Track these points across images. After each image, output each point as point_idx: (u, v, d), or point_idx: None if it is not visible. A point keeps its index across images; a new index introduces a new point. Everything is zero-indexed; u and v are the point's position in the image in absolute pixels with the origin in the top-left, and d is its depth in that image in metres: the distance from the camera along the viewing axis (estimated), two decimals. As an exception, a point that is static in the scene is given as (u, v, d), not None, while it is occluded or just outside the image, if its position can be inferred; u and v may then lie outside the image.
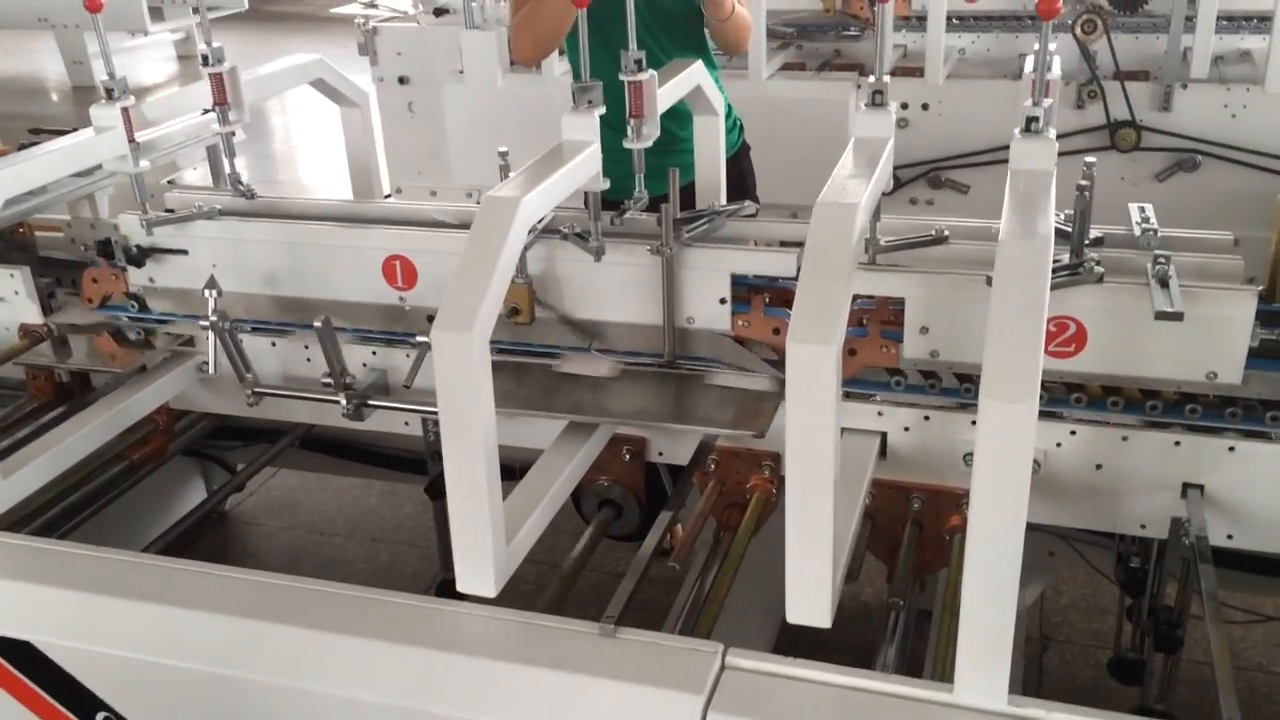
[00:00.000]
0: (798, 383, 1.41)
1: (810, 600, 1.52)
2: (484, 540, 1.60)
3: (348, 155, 2.84)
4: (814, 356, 1.40)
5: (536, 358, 2.17)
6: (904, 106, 4.13)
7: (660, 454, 2.15)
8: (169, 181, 2.92)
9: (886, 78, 1.81)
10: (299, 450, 2.93)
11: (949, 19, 4.64)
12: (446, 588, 2.34)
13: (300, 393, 2.26)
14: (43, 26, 9.54)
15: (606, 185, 1.93)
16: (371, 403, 2.16)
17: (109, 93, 2.12)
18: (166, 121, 2.68)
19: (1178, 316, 1.63)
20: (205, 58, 2.27)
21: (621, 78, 1.92)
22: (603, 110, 1.89)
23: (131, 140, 2.16)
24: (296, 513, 3.47)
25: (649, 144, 1.97)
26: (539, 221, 2.06)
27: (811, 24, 4.92)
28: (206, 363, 2.23)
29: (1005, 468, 1.30)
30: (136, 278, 2.36)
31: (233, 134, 2.39)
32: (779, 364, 2.02)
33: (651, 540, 1.86)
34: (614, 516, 2.17)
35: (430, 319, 2.12)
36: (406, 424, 2.29)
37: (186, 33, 11.06)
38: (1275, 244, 1.82)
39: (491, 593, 1.64)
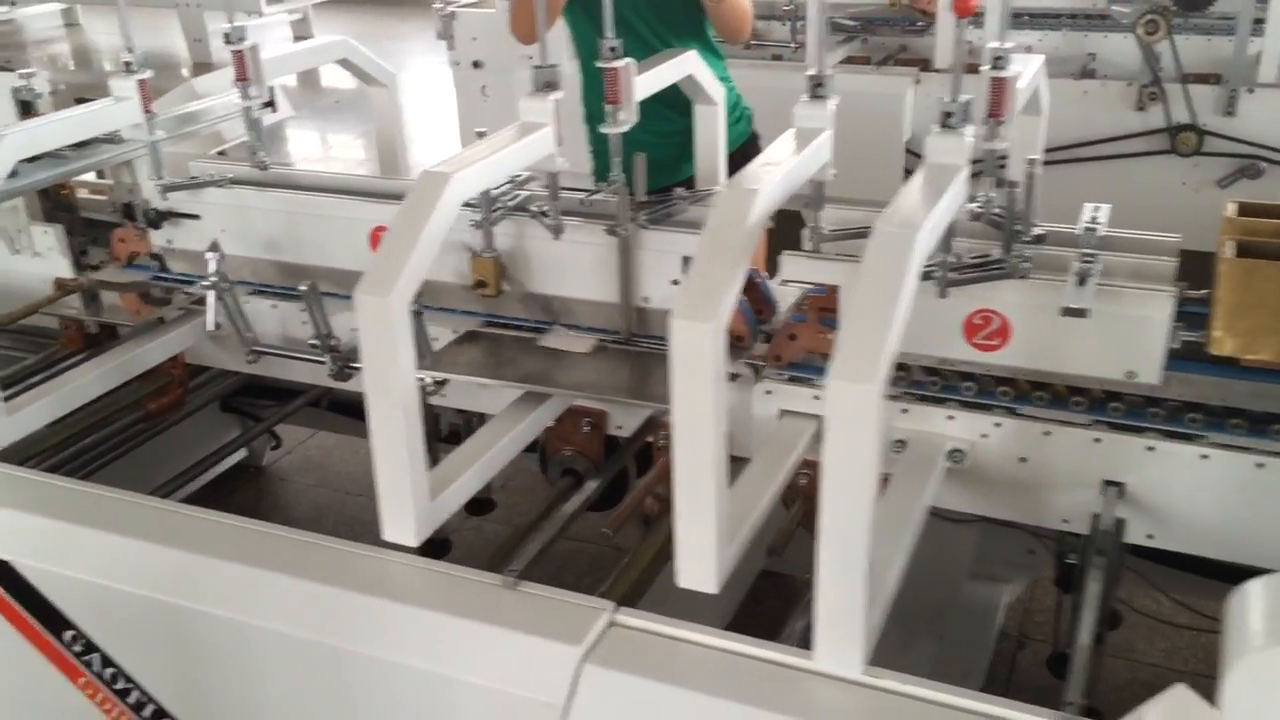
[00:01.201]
0: (681, 358, 1.49)
1: (698, 566, 1.60)
2: (405, 493, 1.72)
3: (376, 133, 2.99)
4: (697, 334, 1.47)
5: (529, 332, 2.26)
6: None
7: (620, 427, 2.24)
8: (220, 152, 3.12)
9: (826, 70, 1.86)
10: (322, 411, 3.09)
11: (1016, 14, 4.60)
12: (425, 547, 2.48)
13: (293, 353, 2.41)
14: (169, 4, 10.05)
15: (564, 165, 2.02)
16: (354, 365, 2.30)
17: (128, 66, 2.30)
18: (213, 96, 2.88)
19: (1082, 313, 1.65)
20: (227, 36, 2.44)
21: (598, 64, 2.01)
22: (561, 95, 1.98)
23: (148, 110, 2.34)
24: (327, 471, 3.65)
25: (625, 129, 2.05)
26: (509, 199, 2.18)
27: (877, 18, 4.91)
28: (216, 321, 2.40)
29: (851, 446, 1.36)
30: (157, 239, 2.54)
31: (266, 107, 2.57)
32: (731, 345, 2.09)
33: (574, 503, 1.95)
34: (575, 485, 2.27)
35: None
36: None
37: (304, 13, 11.50)
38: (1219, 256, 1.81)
39: (413, 542, 1.75)
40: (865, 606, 1.44)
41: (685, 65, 2.30)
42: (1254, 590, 1.24)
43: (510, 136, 1.91)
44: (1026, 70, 1.92)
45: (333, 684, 1.70)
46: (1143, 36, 4.14)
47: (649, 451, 2.34)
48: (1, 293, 2.68)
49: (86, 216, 2.77)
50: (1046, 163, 4.63)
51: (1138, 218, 2.00)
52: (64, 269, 2.59)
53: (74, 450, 2.40)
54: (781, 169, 1.67)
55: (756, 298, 2.16)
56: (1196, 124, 4.11)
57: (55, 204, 2.73)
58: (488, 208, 2.12)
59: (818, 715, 1.46)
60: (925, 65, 4.49)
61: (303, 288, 2.22)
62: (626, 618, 1.64)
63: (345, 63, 2.86)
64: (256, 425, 3.01)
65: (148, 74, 2.34)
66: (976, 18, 4.69)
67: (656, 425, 2.15)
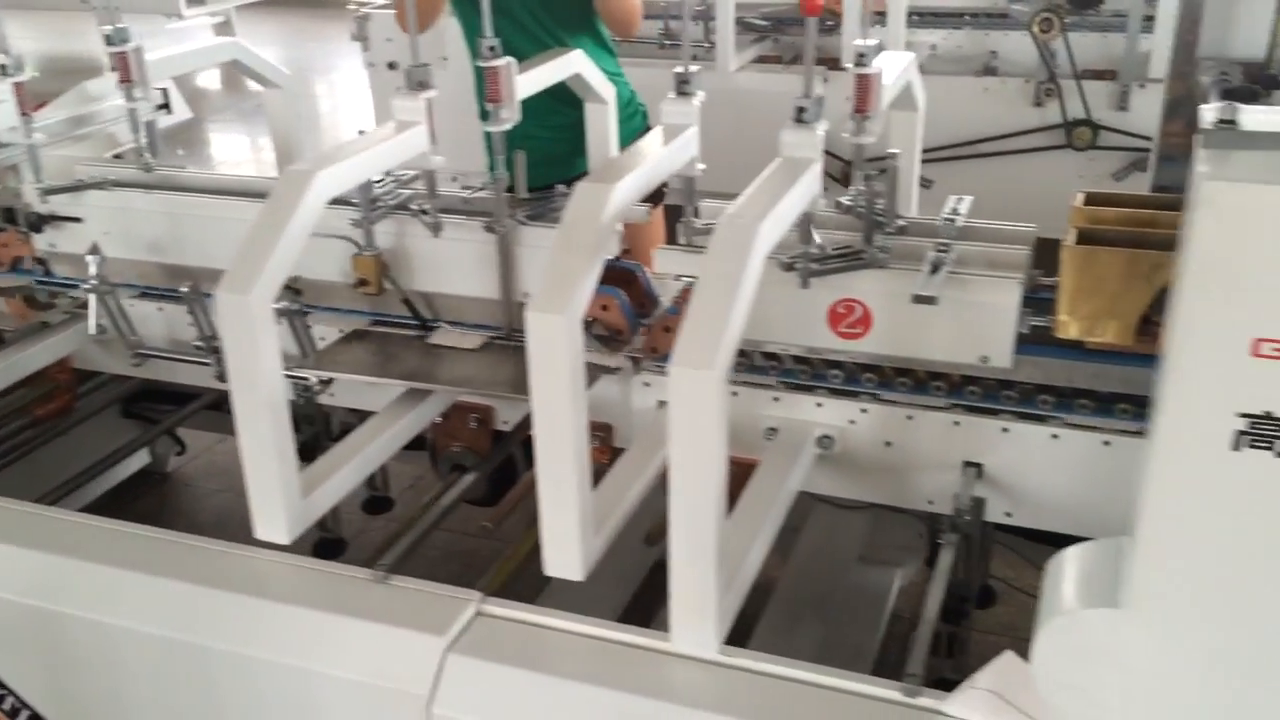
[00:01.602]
0: (537, 350, 1.52)
1: (562, 554, 1.63)
2: (274, 491, 1.73)
3: (272, 134, 2.99)
4: (551, 325, 1.50)
5: (420, 329, 2.27)
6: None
7: (505, 422, 2.26)
8: (116, 155, 3.09)
9: (694, 67, 1.90)
10: (224, 415, 3.07)
11: (921, 15, 4.69)
12: (319, 547, 2.48)
13: (179, 355, 2.41)
14: (85, 8, 9.89)
15: (441, 163, 2.04)
16: (239, 366, 2.29)
17: (3, 69, 2.28)
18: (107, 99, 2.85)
19: (932, 301, 1.70)
20: (109, 38, 2.42)
21: (477, 63, 2.03)
22: (434, 93, 2.00)
23: (24, 113, 2.32)
24: (233, 476, 3.59)
25: (507, 127, 2.07)
26: (391, 197, 2.19)
27: (788, 17, 4.97)
28: (99, 324, 2.38)
29: (695, 432, 1.39)
30: (40, 243, 2.52)
31: (161, 109, 2.56)
32: (607, 339, 2.12)
33: (450, 496, 1.97)
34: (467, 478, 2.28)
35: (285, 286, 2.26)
36: (280, 387, 2.42)
37: (226, 16, 11.36)
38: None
39: (285, 540, 1.76)
40: (717, 589, 1.48)
41: (571, 64, 2.33)
42: (1068, 556, 1.29)
43: (382, 134, 1.92)
44: (894, 67, 1.97)
45: (200, 683, 1.70)
46: (1037, 34, 4.24)
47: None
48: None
49: (-28, 221, 2.74)
50: (949, 158, 4.73)
51: (1036, 211, 2.06)
52: (-60, 274, 2.56)
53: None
54: (640, 164, 1.70)
55: (638, 292, 2.19)
56: (1091, 119, 4.22)
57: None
58: (368, 206, 2.13)
59: (672, 695, 1.50)
60: (834, 64, 4.55)
61: (184, 289, 2.22)
62: (493, 608, 1.66)
63: (237, 64, 2.85)
64: (152, 430, 2.98)
65: (24, 77, 2.32)
66: (880, 15, 4.78)
67: (539, 419, 2.17)
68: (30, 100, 2.36)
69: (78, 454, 2.95)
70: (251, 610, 1.68)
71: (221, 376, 2.33)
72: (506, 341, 2.20)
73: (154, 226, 2.41)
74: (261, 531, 1.77)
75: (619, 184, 1.63)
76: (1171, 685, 1.14)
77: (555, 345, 1.50)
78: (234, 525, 3.36)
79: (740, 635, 2.27)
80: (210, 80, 9.64)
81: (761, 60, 4.83)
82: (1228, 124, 1.03)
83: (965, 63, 4.69)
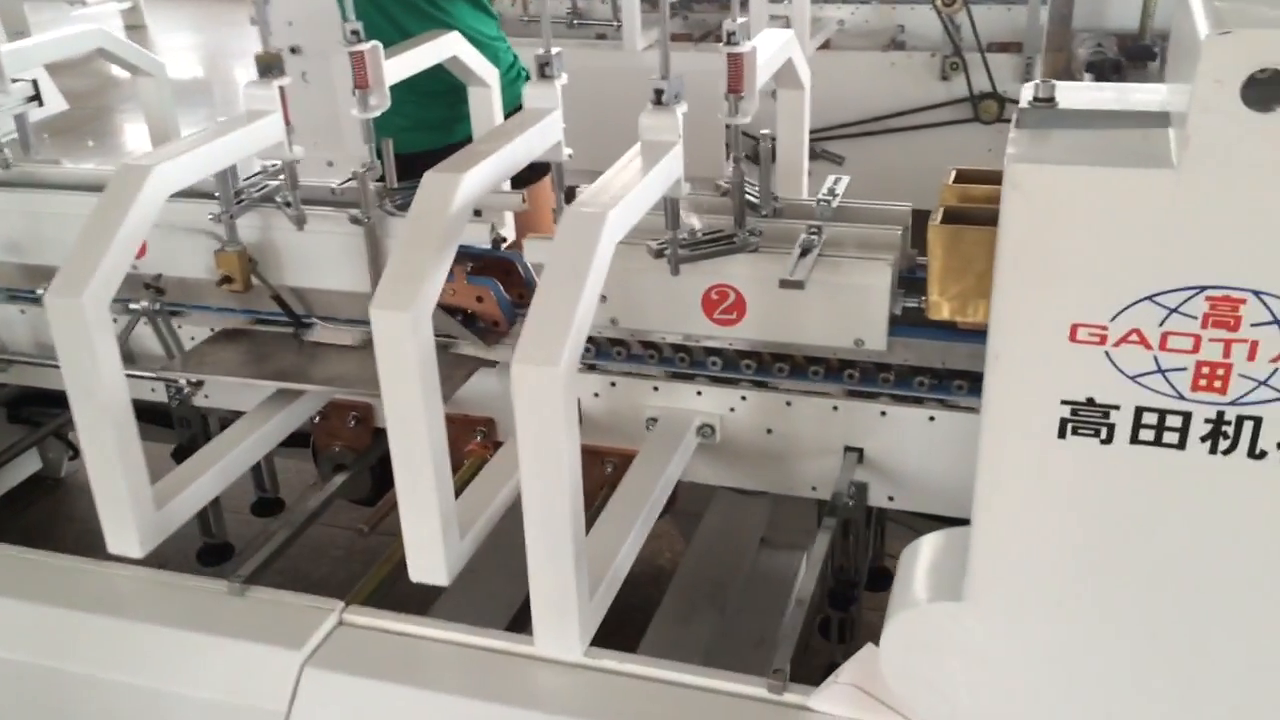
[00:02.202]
0: (384, 349, 1.46)
1: (425, 560, 1.57)
2: (123, 502, 1.65)
3: (147, 124, 2.87)
4: (396, 323, 1.44)
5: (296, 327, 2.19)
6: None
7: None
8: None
9: (555, 49, 1.84)
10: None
11: (828, -10, 4.67)
12: (203, 553, 2.40)
13: (44, 360, 2.30)
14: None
15: (300, 154, 1.97)
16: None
17: None
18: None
19: (798, 285, 1.66)
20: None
21: (344, 48, 1.95)
22: (287, 81, 1.92)
23: None
24: (129, 479, 3.52)
25: (376, 114, 2.00)
26: (256, 190, 2.11)
27: (696, -6, 4.92)
28: (-41, 329, 2.28)
29: (542, 429, 1.34)
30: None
31: (31, 101, 2.45)
32: (484, 332, 2.06)
33: (318, 499, 1.91)
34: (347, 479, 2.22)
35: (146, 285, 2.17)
36: (153, 390, 2.33)
37: (134, 3, 11.06)
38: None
39: (137, 554, 1.68)
40: (577, 591, 1.43)
41: (447, 47, 2.26)
42: (920, 547, 1.26)
43: (231, 125, 1.84)
44: (770, 45, 1.93)
45: (54, 706, 1.62)
46: (941, 7, 4.24)
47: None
48: None
49: None
50: (859, 135, 4.70)
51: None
52: None
53: None
54: (495, 151, 1.64)
55: (518, 282, 2.13)
56: (997, 92, 4.22)
57: None
58: (229, 199, 2.05)
59: (536, 700, 1.45)
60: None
61: (41, 291, 2.11)
62: (357, 617, 1.61)
63: (102, 52, 2.73)
64: (35, 433, 2.87)
65: None
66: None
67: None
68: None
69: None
70: (106, 630, 1.61)
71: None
72: (381, 336, 2.13)
73: (11, 226, 2.30)
74: (113, 545, 1.69)
75: (468, 173, 1.56)
76: (1014, 676, 1.12)
77: (402, 344, 1.44)
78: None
79: (638, 626, 2.25)
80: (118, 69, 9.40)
81: (672, 38, 4.77)
82: (1044, 103, 0.99)
83: (872, 37, 4.67)
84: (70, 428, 2.89)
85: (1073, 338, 0.96)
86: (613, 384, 1.97)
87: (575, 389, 1.36)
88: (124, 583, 1.70)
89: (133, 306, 2.11)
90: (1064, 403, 0.99)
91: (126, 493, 1.64)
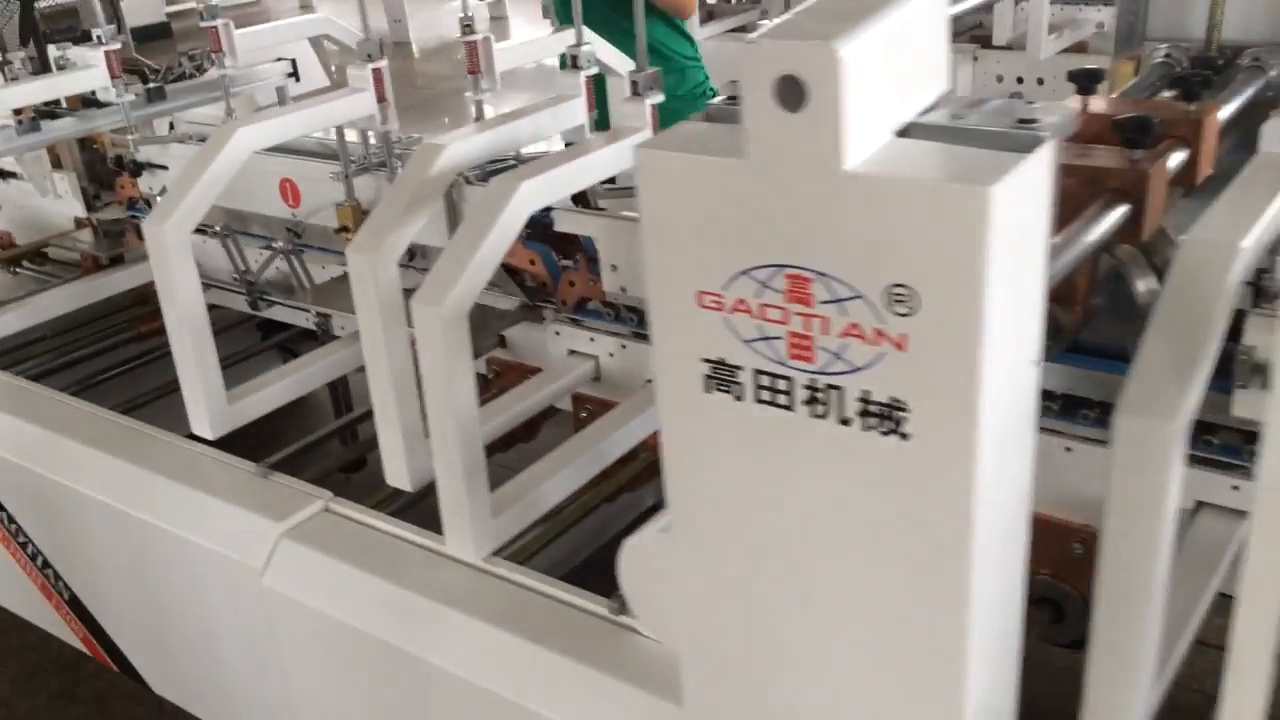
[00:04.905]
0: (357, 285, 1.77)
1: (394, 466, 1.87)
2: (198, 391, 2.08)
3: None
4: (362, 264, 1.75)
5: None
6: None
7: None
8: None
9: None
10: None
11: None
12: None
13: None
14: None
15: (394, 127, 2.34)
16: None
17: (98, 38, 2.76)
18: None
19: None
20: (201, 14, 2.86)
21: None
22: (384, 63, 2.29)
23: (116, 76, 2.80)
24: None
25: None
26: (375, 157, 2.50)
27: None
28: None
29: (434, 359, 1.61)
30: (143, 186, 3.02)
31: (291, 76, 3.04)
32: (534, 291, 2.34)
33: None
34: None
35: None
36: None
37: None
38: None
39: (208, 435, 2.11)
40: (470, 502, 1.68)
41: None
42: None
43: (320, 99, 2.23)
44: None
45: (98, 533, 2.09)
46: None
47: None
48: (39, 228, 3.24)
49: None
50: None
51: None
52: (78, 209, 3.11)
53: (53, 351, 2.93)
54: (484, 131, 1.91)
55: (578, 247, 2.39)
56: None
57: (94, 155, 3.25)
58: (345, 162, 2.45)
59: (432, 590, 1.72)
60: (986, 42, 4.45)
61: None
62: (341, 508, 1.94)
63: (326, 38, 3.25)
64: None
65: (115, 45, 2.80)
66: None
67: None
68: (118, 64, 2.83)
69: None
70: (146, 484, 2.06)
71: (254, 305, 2.75)
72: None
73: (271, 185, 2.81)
74: (195, 427, 2.12)
75: (451, 145, 1.84)
76: (704, 601, 1.26)
77: (367, 281, 1.75)
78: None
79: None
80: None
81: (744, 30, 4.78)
82: (732, 101, 1.12)
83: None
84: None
85: (700, 303, 1.10)
86: (623, 346, 2.19)
87: (461, 330, 1.60)
88: (185, 454, 2.13)
89: (274, 245, 2.57)
90: (704, 360, 1.12)
91: (200, 384, 2.06)
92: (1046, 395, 1.57)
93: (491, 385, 2.44)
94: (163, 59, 3.44)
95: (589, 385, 2.25)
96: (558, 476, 1.88)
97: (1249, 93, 1.83)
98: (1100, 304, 1.65)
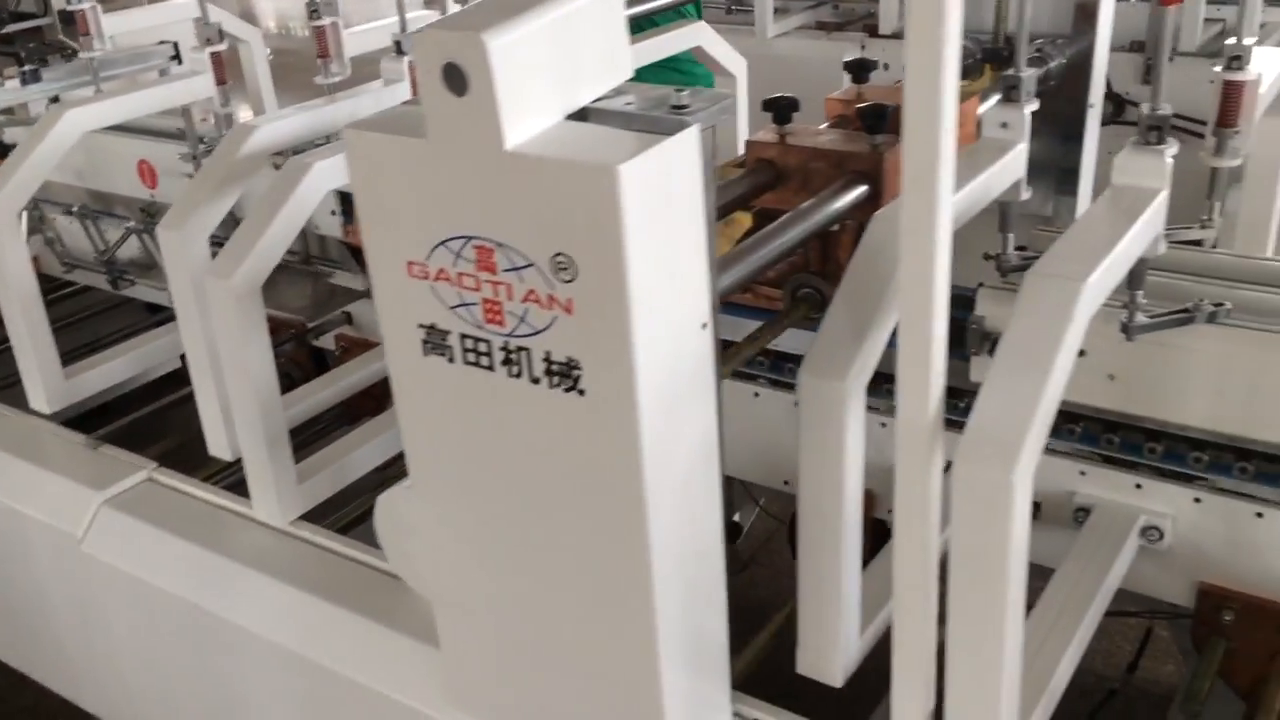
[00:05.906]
0: (166, 261, 1.84)
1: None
2: (31, 365, 2.14)
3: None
4: (171, 239, 1.82)
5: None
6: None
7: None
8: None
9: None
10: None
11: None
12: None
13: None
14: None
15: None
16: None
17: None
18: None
19: None
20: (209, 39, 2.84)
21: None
22: None
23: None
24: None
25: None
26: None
27: (838, -16, 5.00)
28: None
29: (226, 335, 1.69)
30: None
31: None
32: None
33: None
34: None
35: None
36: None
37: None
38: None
39: (45, 409, 2.17)
40: (274, 467, 1.77)
41: (692, 36, 2.38)
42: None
43: (160, 81, 2.29)
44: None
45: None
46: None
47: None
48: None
49: None
50: None
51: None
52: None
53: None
54: (300, 113, 1.98)
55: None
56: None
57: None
58: (195, 144, 2.51)
59: (236, 553, 1.80)
60: (873, 30, 4.58)
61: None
62: (164, 478, 2.01)
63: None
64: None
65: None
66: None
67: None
68: None
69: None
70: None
71: (114, 283, 2.81)
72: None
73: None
74: (32, 401, 2.18)
75: (265, 127, 1.91)
76: (448, 551, 1.36)
77: (176, 256, 1.82)
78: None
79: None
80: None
81: (822, 26, 4.90)
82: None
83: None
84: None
85: (409, 273, 1.19)
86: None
87: (255, 303, 1.69)
88: (21, 427, 2.20)
89: (129, 225, 2.64)
90: (420, 326, 1.22)
91: (34, 357, 2.12)
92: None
93: (339, 360, 2.52)
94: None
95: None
96: (371, 444, 1.97)
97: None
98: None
